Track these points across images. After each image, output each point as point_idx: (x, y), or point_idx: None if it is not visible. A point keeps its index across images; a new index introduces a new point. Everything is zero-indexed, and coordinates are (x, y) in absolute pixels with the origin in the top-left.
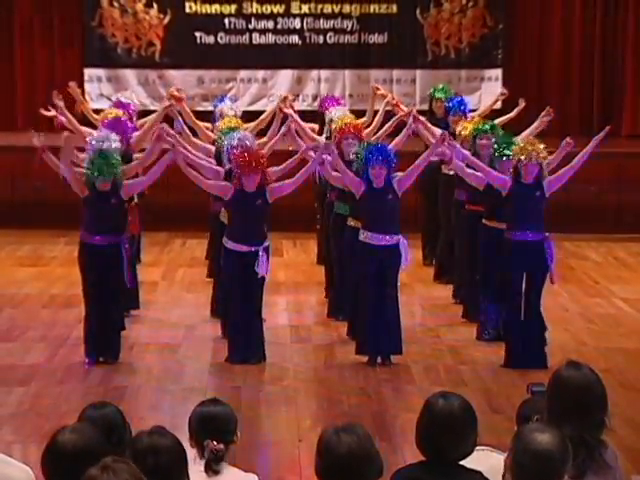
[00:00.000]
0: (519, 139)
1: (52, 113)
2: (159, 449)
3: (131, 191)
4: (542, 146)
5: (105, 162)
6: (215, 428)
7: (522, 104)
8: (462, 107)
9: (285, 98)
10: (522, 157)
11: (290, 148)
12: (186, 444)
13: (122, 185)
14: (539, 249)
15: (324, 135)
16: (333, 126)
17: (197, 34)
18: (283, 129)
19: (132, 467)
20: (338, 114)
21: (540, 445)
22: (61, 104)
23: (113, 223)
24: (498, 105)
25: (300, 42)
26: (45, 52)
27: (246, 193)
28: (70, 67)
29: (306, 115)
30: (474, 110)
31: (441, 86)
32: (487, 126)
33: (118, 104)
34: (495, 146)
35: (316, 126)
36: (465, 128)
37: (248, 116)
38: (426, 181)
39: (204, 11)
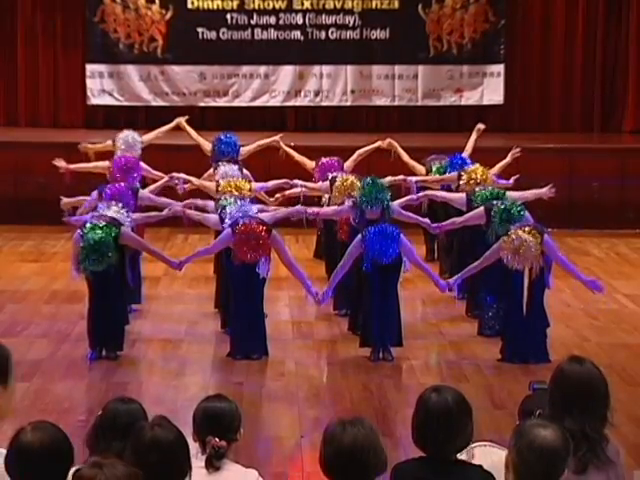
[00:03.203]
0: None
1: (62, 163)
2: (161, 444)
3: (127, 242)
4: (533, 243)
5: (99, 255)
6: (218, 425)
7: (517, 150)
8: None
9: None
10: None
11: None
12: (189, 439)
13: (120, 234)
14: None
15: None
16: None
17: (199, 30)
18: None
19: (121, 462)
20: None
21: (544, 441)
22: (62, 164)
23: None
24: (500, 100)
25: (302, 38)
26: (47, 48)
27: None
28: (72, 63)
29: (308, 111)
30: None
31: (441, 164)
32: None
33: (122, 165)
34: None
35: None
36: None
37: (250, 112)
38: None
39: (206, 7)
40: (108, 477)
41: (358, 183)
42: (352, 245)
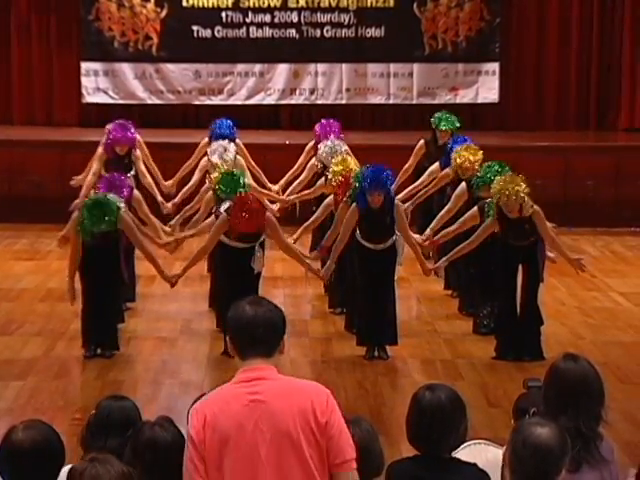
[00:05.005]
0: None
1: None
2: (158, 444)
3: (125, 229)
4: (522, 185)
5: (103, 212)
6: None
7: None
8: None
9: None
10: (502, 197)
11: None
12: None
13: (120, 218)
14: (531, 246)
15: (314, 161)
16: (330, 173)
17: (194, 28)
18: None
19: (117, 460)
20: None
21: (539, 439)
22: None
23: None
24: (495, 98)
25: (297, 36)
26: (42, 46)
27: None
28: (67, 61)
29: (303, 109)
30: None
31: (445, 116)
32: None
33: (119, 131)
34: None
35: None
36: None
37: (245, 110)
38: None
39: (201, 4)
40: (100, 472)
41: (354, 165)
42: (347, 217)
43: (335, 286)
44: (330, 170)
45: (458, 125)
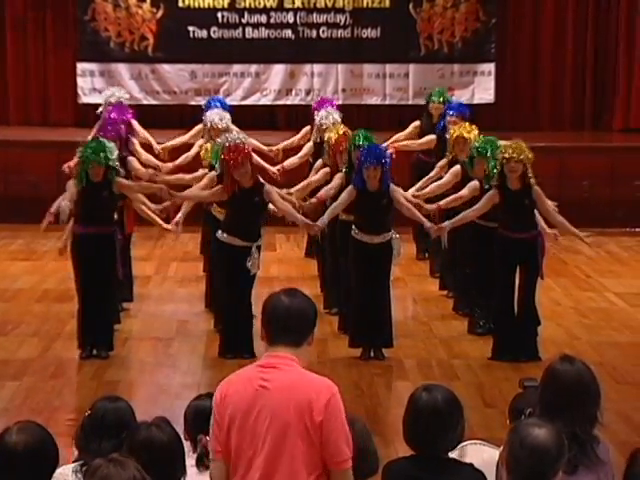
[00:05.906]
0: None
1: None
2: (154, 444)
3: (122, 189)
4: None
5: (101, 147)
6: (209, 423)
7: None
8: (461, 109)
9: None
10: (506, 155)
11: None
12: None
13: (115, 180)
14: (530, 243)
15: (312, 138)
16: (327, 137)
17: (190, 28)
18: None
19: (134, 466)
20: (328, 119)
21: (536, 440)
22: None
23: (104, 214)
24: (491, 99)
25: (293, 36)
26: (37, 47)
27: (243, 190)
28: (63, 61)
29: (299, 110)
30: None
31: (438, 89)
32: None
33: (117, 112)
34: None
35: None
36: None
37: (241, 111)
38: (418, 177)
39: (197, 5)
40: (111, 473)
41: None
42: (343, 194)
43: (331, 286)
44: (325, 139)
45: (450, 99)
